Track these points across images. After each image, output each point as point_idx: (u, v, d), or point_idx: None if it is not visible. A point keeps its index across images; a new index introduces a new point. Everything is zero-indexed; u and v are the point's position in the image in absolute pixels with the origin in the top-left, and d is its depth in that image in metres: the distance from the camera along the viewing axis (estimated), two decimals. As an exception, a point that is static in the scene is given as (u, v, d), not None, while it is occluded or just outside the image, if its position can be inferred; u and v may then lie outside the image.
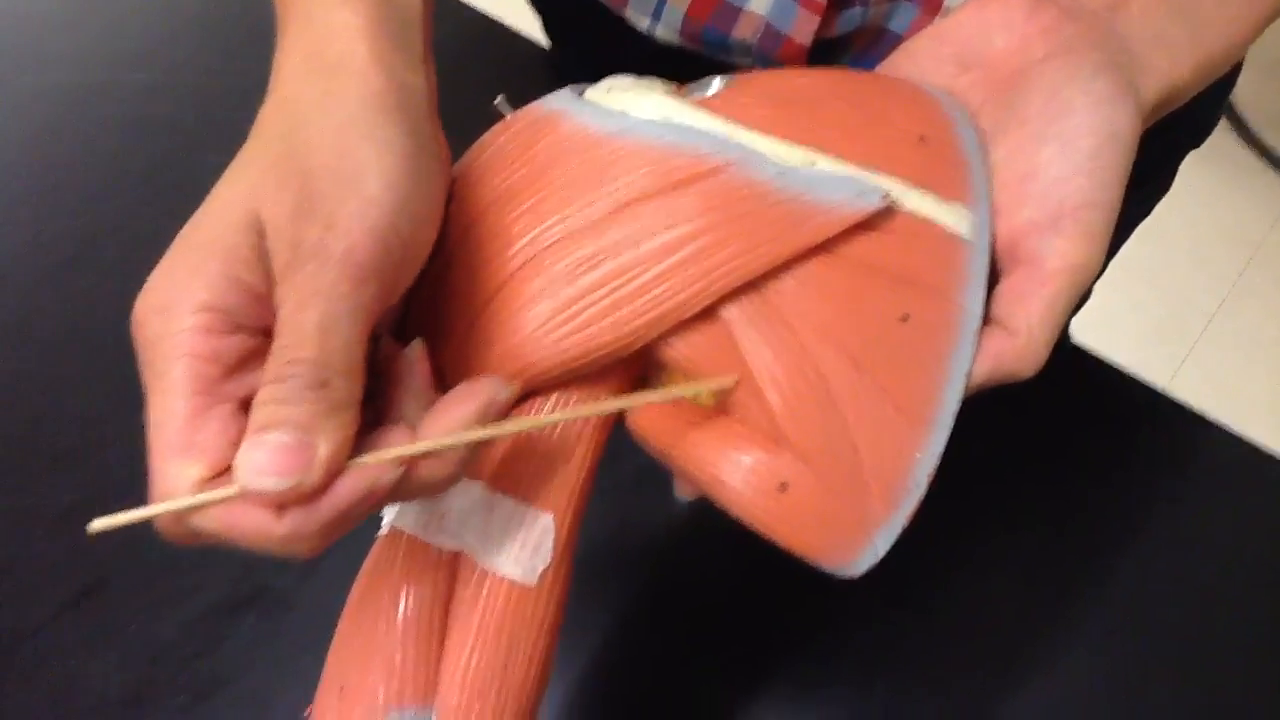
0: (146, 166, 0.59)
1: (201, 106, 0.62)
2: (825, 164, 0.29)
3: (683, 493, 0.31)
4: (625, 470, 0.44)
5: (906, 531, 0.28)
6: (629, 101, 0.30)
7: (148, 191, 0.56)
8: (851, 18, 0.46)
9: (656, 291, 0.27)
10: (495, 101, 0.31)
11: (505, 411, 0.26)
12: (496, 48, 0.65)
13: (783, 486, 0.28)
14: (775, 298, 0.28)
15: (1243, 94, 0.53)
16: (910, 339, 0.28)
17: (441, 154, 0.29)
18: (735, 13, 0.46)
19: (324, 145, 0.25)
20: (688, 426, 0.29)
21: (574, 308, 0.28)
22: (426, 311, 0.30)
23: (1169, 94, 0.30)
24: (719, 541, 0.46)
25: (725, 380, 0.28)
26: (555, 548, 0.29)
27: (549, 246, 0.28)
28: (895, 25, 0.47)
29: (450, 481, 0.25)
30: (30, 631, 0.44)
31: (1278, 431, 0.46)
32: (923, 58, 0.33)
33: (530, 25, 0.66)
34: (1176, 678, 0.42)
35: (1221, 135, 1.63)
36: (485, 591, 0.29)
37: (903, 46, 0.34)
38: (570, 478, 0.29)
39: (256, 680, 0.42)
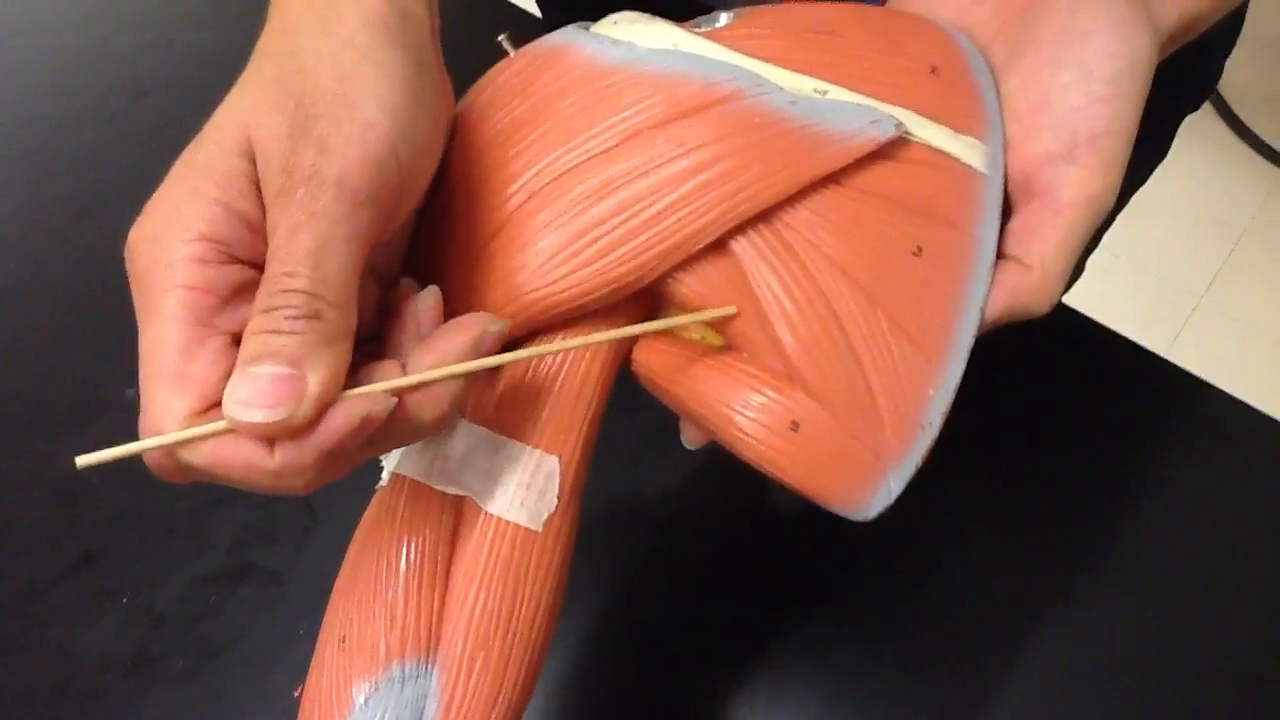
0: (148, 127, 0.59)
1: (202, 66, 0.62)
2: (837, 94, 0.28)
3: (690, 440, 0.30)
4: (633, 426, 0.43)
5: (914, 497, 0.28)
6: (636, 33, 0.29)
7: (149, 152, 0.56)
8: None
9: (670, 221, 0.27)
10: (499, 38, 0.30)
11: (497, 346, 0.25)
12: (487, 17, 0.64)
13: (794, 425, 0.27)
14: (786, 231, 0.27)
15: (1229, 80, 0.54)
16: (924, 272, 0.28)
17: (443, 86, 0.28)
18: None
19: (321, 67, 0.24)
20: (695, 366, 0.28)
21: (583, 240, 0.27)
22: (429, 252, 0.29)
23: (1188, 22, 0.30)
24: (733, 493, 0.45)
25: (725, 310, 0.27)
26: (562, 492, 0.28)
27: (554, 180, 0.27)
28: None
29: (443, 420, 0.24)
30: (33, 594, 0.43)
31: (1270, 411, 0.46)
32: None
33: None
34: (1181, 639, 0.42)
35: (1208, 121, 1.64)
36: (490, 537, 0.28)
37: None
38: (577, 420, 0.29)
39: (257, 645, 0.42)
